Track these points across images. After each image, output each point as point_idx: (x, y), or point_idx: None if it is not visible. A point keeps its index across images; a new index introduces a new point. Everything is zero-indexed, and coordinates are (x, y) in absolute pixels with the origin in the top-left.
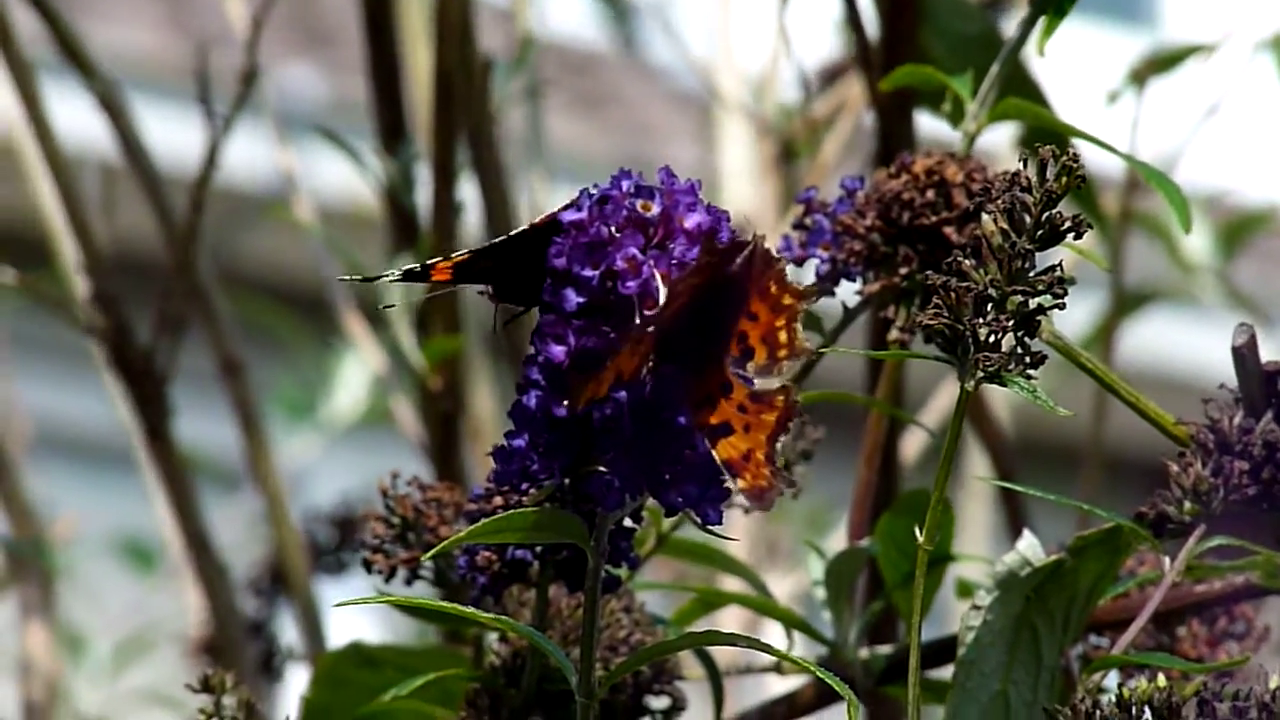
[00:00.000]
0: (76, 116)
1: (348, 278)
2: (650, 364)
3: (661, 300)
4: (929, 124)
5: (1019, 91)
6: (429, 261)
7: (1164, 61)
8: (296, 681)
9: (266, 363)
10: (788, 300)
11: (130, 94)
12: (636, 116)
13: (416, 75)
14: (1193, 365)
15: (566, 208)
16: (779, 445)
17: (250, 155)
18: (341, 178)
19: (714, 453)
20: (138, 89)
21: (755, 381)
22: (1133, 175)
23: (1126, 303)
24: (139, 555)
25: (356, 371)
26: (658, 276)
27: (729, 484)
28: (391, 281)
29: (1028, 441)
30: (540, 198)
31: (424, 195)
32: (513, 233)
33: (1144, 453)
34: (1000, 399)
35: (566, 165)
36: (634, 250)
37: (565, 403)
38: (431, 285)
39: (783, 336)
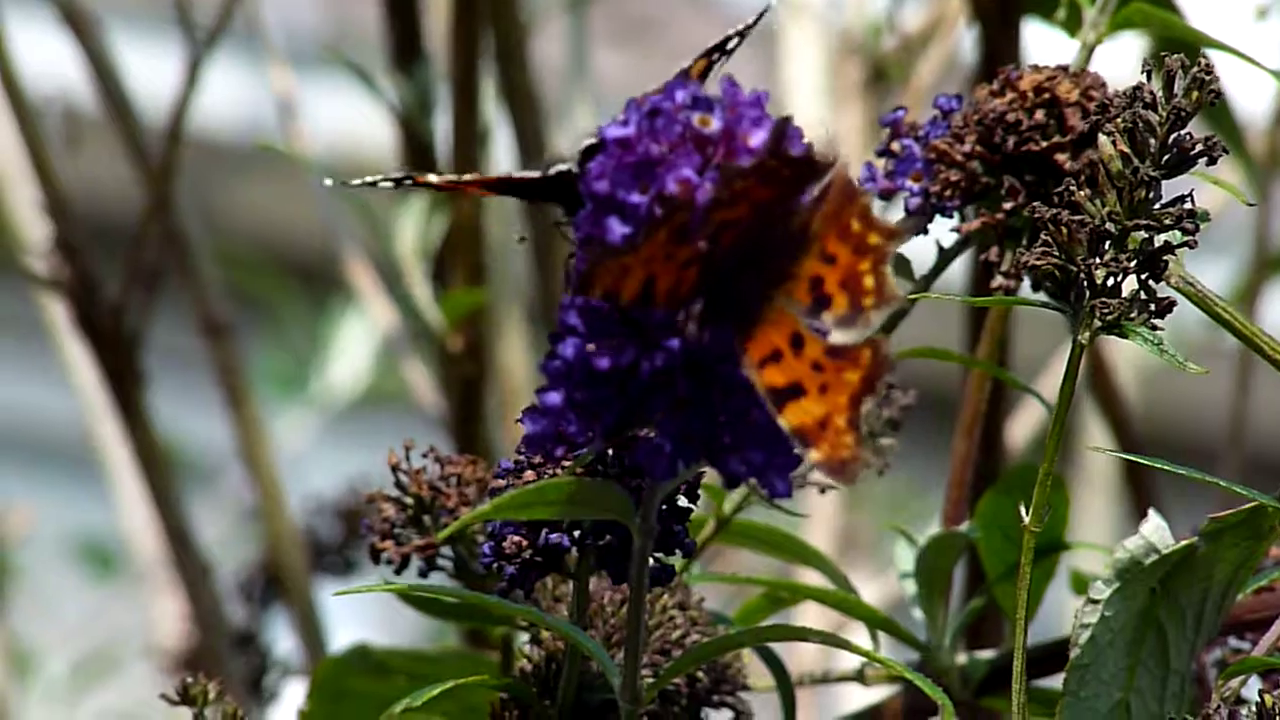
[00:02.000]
0: (40, 55)
1: (339, 183)
2: (697, 309)
3: (709, 198)
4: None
5: None
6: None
7: None
8: (292, 701)
9: (254, 332)
10: (874, 240)
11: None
12: (689, 48)
13: None
14: None
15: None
16: (864, 409)
17: (231, 99)
18: (337, 123)
19: (782, 419)
20: (108, 17)
21: (834, 335)
22: None
23: (1272, 260)
24: (97, 558)
25: (359, 337)
26: None
27: (801, 452)
28: (401, 184)
29: (1151, 433)
30: (584, 128)
31: (443, 125)
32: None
33: None
34: (1124, 369)
35: (608, 97)
36: (688, 171)
37: (609, 352)
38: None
39: (868, 282)
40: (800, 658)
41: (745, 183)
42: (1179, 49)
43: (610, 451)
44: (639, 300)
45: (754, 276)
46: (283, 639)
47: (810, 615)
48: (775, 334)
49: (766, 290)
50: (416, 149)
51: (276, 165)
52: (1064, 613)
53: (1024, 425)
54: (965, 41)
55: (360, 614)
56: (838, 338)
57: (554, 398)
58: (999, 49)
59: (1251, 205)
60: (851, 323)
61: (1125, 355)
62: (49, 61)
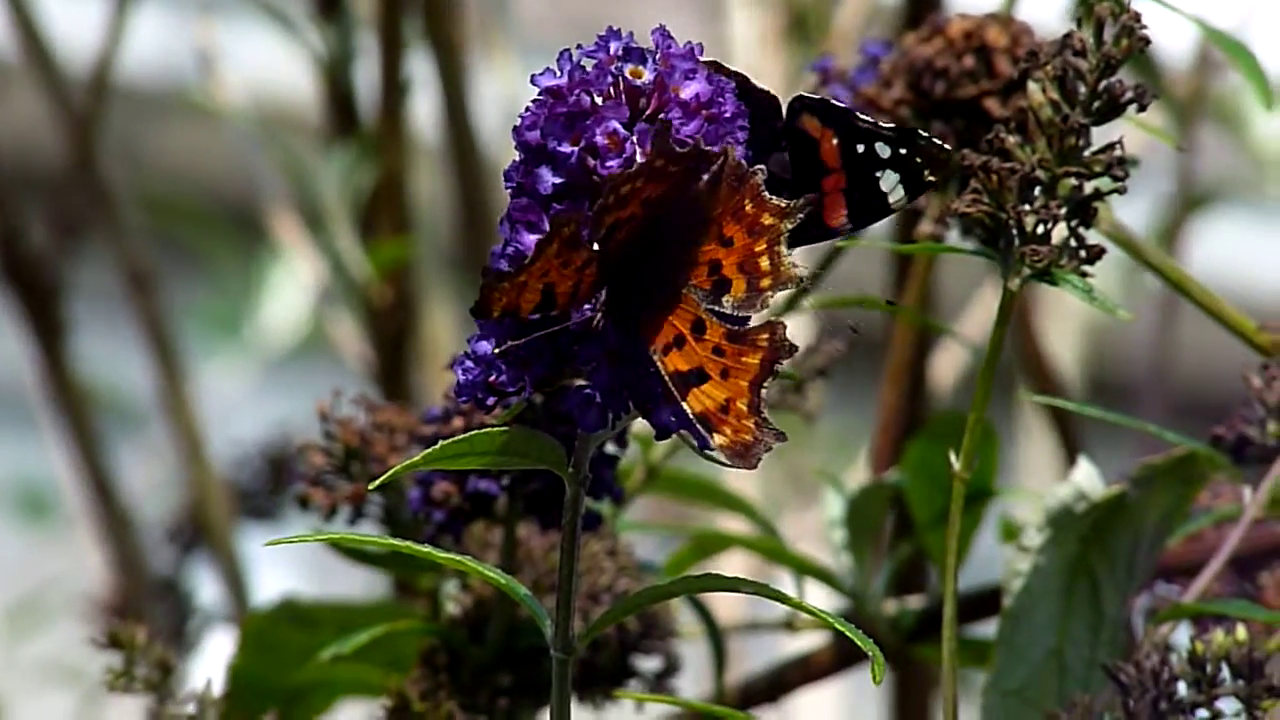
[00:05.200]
0: None
1: None
2: (603, 300)
3: (600, 202)
4: None
5: None
6: None
7: None
8: (215, 649)
9: (185, 276)
10: (768, 220)
11: None
12: None
13: None
14: (1269, 278)
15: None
16: (764, 392)
17: (150, 42)
18: (257, 67)
19: (686, 405)
20: None
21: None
22: (1203, 53)
23: (1195, 199)
24: (31, 504)
25: (292, 285)
26: (640, 155)
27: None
28: None
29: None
30: (505, 76)
31: (364, 73)
32: None
33: (1213, 387)
34: (1058, 321)
35: (534, 43)
36: (616, 124)
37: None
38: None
39: (764, 263)
40: (728, 606)
41: (632, 185)
42: None
43: (539, 399)
44: (539, 308)
45: (656, 264)
46: (206, 586)
47: (737, 563)
48: (678, 320)
49: (669, 276)
50: (339, 98)
51: (195, 110)
52: (991, 560)
53: (947, 365)
54: None
55: (284, 560)
56: (740, 320)
57: (485, 346)
58: None
59: (1182, 150)
60: (751, 305)
61: (1058, 301)
62: None
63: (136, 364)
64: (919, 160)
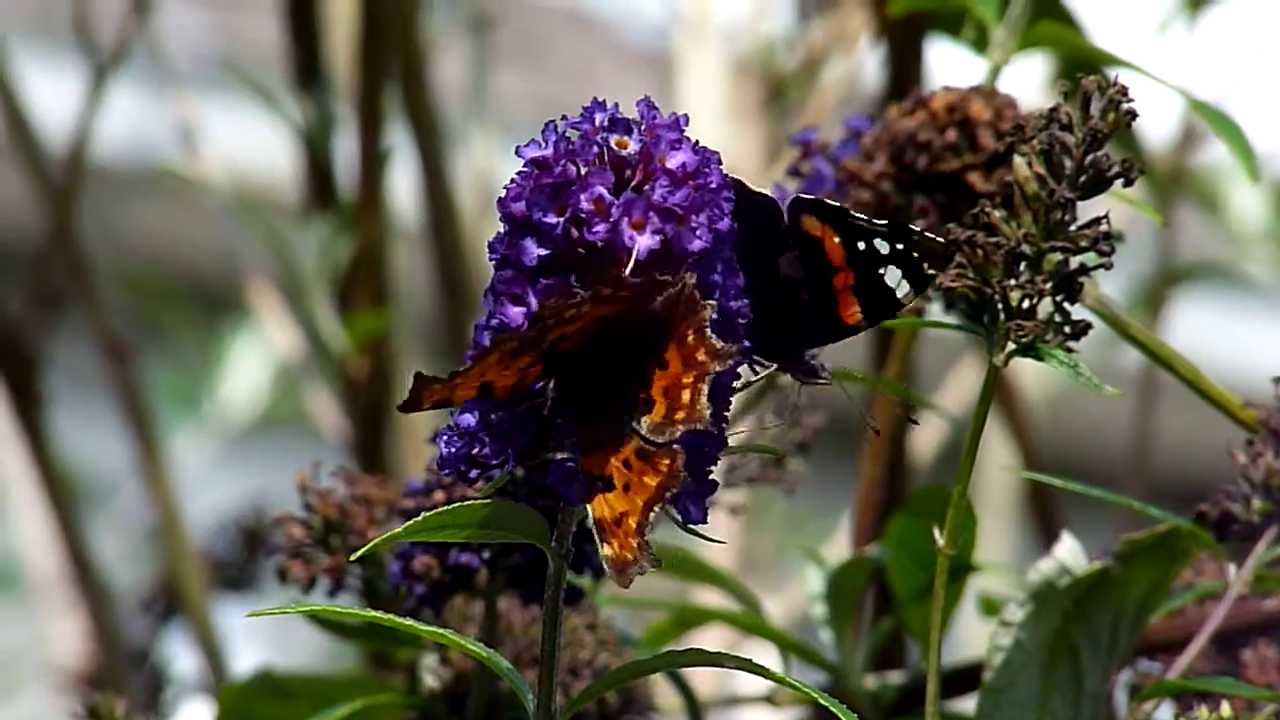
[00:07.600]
0: None
1: None
2: (552, 392)
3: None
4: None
5: (1050, 17)
6: None
7: None
8: (189, 718)
9: (148, 352)
10: (702, 357)
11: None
12: (577, 68)
13: (334, 12)
14: (1245, 360)
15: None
16: (653, 516)
17: (124, 120)
18: (230, 144)
19: (590, 507)
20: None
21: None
22: (1185, 130)
23: (1172, 275)
24: None
25: (255, 359)
26: (627, 224)
27: (714, 477)
28: None
29: (1052, 456)
30: (482, 152)
31: (343, 146)
32: None
33: (1189, 474)
34: (1033, 389)
35: (507, 120)
36: (601, 189)
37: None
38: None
39: (685, 396)
40: (705, 679)
41: (578, 309)
42: (1085, 69)
43: (521, 472)
44: (475, 402)
45: (608, 368)
46: (181, 656)
47: (713, 637)
48: (603, 426)
49: (620, 382)
50: (318, 170)
51: (168, 188)
52: (971, 638)
53: (926, 439)
54: (867, 61)
55: (258, 633)
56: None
57: (469, 419)
58: (904, 68)
59: (1163, 226)
60: (660, 433)
61: (1030, 376)
62: None
63: (98, 437)
64: (916, 255)
